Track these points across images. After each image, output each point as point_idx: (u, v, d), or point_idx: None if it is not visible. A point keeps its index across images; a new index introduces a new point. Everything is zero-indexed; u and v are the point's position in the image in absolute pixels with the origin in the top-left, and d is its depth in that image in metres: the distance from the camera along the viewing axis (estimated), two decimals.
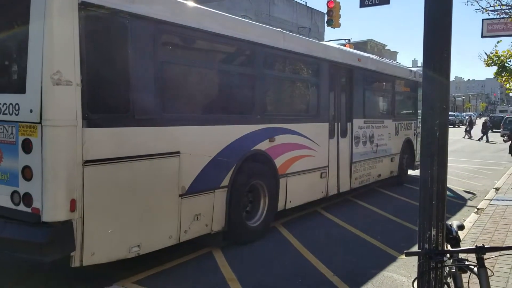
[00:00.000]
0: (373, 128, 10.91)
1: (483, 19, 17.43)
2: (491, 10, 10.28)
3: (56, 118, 4.37)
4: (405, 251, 2.71)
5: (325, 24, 47.08)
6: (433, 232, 2.66)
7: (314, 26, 46.76)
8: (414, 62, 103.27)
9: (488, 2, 9.70)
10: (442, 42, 2.53)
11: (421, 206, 2.67)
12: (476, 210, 9.11)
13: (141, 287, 5.27)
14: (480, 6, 9.83)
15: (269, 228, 7.59)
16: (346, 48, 11.35)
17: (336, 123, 9.45)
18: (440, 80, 2.56)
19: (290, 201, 8.03)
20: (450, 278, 3.12)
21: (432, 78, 2.57)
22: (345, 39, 28.86)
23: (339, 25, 21.50)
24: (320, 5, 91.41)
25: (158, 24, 5.43)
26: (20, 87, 4.48)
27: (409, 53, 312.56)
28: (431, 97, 2.59)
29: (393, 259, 6.49)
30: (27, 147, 4.45)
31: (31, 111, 4.38)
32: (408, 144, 13.04)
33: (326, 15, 21.00)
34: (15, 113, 4.51)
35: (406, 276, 5.82)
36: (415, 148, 13.45)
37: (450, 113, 43.09)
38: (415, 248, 6.72)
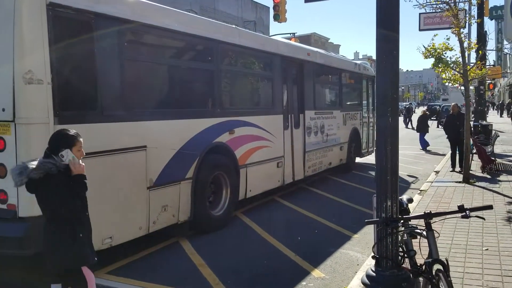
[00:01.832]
0: (323, 119, 11.49)
1: (420, 13, 18.52)
2: (427, 5, 11.05)
3: (29, 116, 4.50)
4: (366, 220, 3.15)
5: (270, 18, 47.70)
6: (389, 203, 3.11)
7: (259, 20, 47.32)
8: (356, 54, 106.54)
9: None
10: (391, 44, 2.98)
11: (377, 181, 3.11)
12: (419, 191, 9.90)
13: (115, 277, 5.46)
14: (417, 2, 10.52)
15: (232, 216, 7.95)
16: (297, 43, 11.84)
17: (289, 115, 9.91)
18: (391, 73, 3.01)
19: (250, 190, 8.42)
20: (402, 244, 3.61)
21: (384, 72, 3.01)
22: (290, 33, 29.38)
23: (285, 20, 22.03)
24: None
25: (121, 23, 5.61)
26: None
27: (351, 46, 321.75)
28: (384, 87, 3.03)
29: (347, 238, 7.04)
30: (0, 145, 4.54)
31: (3, 110, 4.48)
32: (355, 133, 13.77)
33: (273, 10, 21.42)
34: None
35: (361, 253, 6.37)
36: (361, 137, 14.23)
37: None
38: (366, 227, 7.43)
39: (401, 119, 40.64)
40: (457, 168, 12.35)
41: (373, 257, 3.37)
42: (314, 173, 11.18)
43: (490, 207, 3.04)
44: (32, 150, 4.54)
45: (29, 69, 4.45)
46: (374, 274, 3.21)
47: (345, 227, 7.59)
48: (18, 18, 4.43)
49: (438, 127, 32.74)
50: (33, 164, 3.26)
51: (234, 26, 8.43)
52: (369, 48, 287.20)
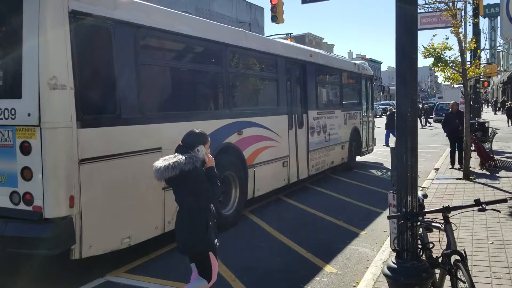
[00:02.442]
0: (326, 118, 11.69)
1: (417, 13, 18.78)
2: (426, 5, 11.28)
3: (54, 120, 4.65)
4: (387, 215, 3.34)
5: (265, 19, 47.68)
6: (409, 198, 3.30)
7: (254, 20, 47.51)
8: (350, 53, 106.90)
9: (424, 0, 10.68)
10: (412, 48, 3.17)
11: (399, 177, 3.30)
12: (421, 188, 10.10)
13: (134, 275, 5.62)
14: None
15: (241, 215, 8.12)
16: (299, 45, 12.01)
17: (293, 115, 10.09)
18: (410, 75, 3.20)
19: (258, 190, 8.59)
20: (419, 237, 3.80)
21: (404, 75, 3.20)
22: (285, 34, 29.54)
23: (283, 21, 22.14)
24: (259, 0, 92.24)
25: (138, 29, 5.78)
26: (15, 93, 4.70)
27: (344, 45, 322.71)
28: (403, 90, 3.22)
29: (355, 235, 7.24)
30: (25, 149, 4.69)
31: (29, 114, 4.63)
32: (355, 132, 13.99)
33: (270, 12, 21.57)
34: (11, 118, 4.73)
35: (370, 248, 6.57)
36: (361, 136, 14.45)
37: (385, 101, 44.82)
38: (372, 224, 7.63)
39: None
40: (456, 165, 12.59)
41: (393, 250, 3.56)
42: (317, 172, 11.38)
43: (505, 200, 3.23)
44: (57, 153, 4.70)
45: (54, 75, 4.60)
46: (395, 265, 3.39)
47: (352, 224, 7.78)
48: (42, 26, 4.57)
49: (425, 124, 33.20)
50: (182, 159, 3.69)
51: (241, 29, 8.60)
52: (363, 47, 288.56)
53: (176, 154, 3.81)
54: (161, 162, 3.76)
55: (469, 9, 12.62)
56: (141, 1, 5.98)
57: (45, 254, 4.89)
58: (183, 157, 3.71)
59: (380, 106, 43.59)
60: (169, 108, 6.59)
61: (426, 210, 3.68)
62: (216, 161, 7.05)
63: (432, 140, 21.84)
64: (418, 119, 28.50)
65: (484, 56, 42.52)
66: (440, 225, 3.42)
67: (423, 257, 3.61)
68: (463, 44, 10.78)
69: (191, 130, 4.08)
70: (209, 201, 3.92)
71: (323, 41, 70.26)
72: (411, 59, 3.19)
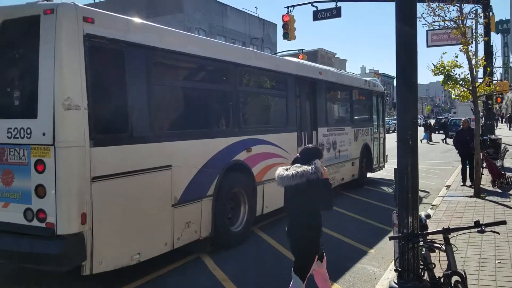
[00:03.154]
0: (336, 135, 11.76)
1: (427, 30, 18.89)
2: (435, 23, 11.35)
3: (68, 140, 4.83)
4: (389, 236, 3.40)
5: (277, 35, 48.06)
6: (410, 219, 3.37)
7: (267, 37, 47.96)
8: (363, 68, 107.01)
9: (433, 18, 10.75)
10: (411, 70, 3.27)
11: (399, 199, 3.37)
12: (431, 206, 10.08)
13: None
14: (426, 21, 10.83)
15: (250, 232, 8.19)
16: (309, 63, 12.18)
17: (303, 132, 10.19)
18: (411, 99, 3.29)
19: (267, 207, 8.67)
20: (421, 257, 3.85)
21: (404, 98, 3.30)
22: (298, 50, 29.77)
23: (294, 38, 22.44)
24: (271, 16, 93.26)
25: (149, 50, 5.97)
26: (31, 113, 4.89)
27: (357, 61, 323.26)
28: (404, 113, 3.31)
29: (363, 253, 7.25)
30: (39, 167, 4.86)
31: (43, 134, 4.80)
32: (366, 149, 14.01)
33: (282, 29, 21.85)
34: (26, 137, 4.91)
35: (378, 267, 6.58)
36: (372, 153, 14.46)
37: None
38: (381, 242, 7.64)
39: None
40: (468, 183, 12.53)
41: (395, 270, 3.62)
42: None
43: (503, 222, 3.28)
44: (70, 171, 4.86)
45: (68, 96, 4.78)
46: (397, 286, 3.45)
47: (360, 242, 7.79)
48: (58, 49, 4.77)
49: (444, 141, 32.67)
50: (309, 169, 4.13)
51: (250, 49, 8.77)
52: (376, 63, 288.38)
53: (297, 165, 4.26)
54: (283, 171, 4.24)
55: (479, 28, 12.67)
56: (155, 24, 6.20)
57: (56, 270, 5.04)
58: (309, 168, 4.14)
59: (392, 122, 43.34)
60: (179, 126, 6.75)
61: (429, 230, 3.73)
62: (225, 178, 7.32)
63: (444, 157, 21.72)
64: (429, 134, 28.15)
65: (498, 71, 42.29)
66: (440, 246, 3.47)
67: (426, 277, 3.65)
68: (472, 62, 10.82)
69: (308, 146, 4.81)
70: (328, 208, 4.41)
71: (335, 56, 70.45)
72: (411, 84, 3.29)
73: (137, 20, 6.00)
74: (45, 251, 4.81)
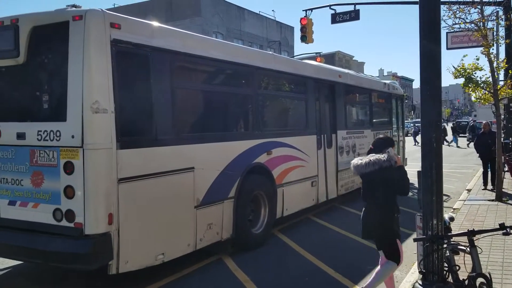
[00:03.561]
0: (355, 138, 11.75)
1: (447, 33, 18.66)
2: (456, 27, 11.27)
3: (96, 142, 4.96)
4: (414, 238, 3.43)
5: (295, 38, 48.11)
6: (434, 222, 3.40)
7: (284, 40, 48.04)
8: (381, 71, 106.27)
9: (454, 21, 10.69)
10: (434, 73, 3.30)
11: (424, 201, 3.41)
12: (452, 210, 10.01)
13: None
14: (446, 24, 10.77)
15: (270, 234, 8.25)
16: (328, 66, 12.21)
17: (322, 135, 10.22)
18: (435, 102, 3.33)
19: (287, 209, 8.72)
20: (445, 260, 3.87)
21: (428, 100, 3.33)
22: (315, 53, 29.72)
23: (312, 41, 22.42)
24: (289, 19, 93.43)
25: (172, 55, 6.09)
26: (60, 116, 5.05)
27: (375, 63, 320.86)
28: (428, 115, 3.35)
29: None
30: (69, 169, 5.01)
31: (72, 136, 4.95)
32: None
33: (300, 32, 21.88)
34: (56, 139, 5.07)
35: (399, 270, 6.51)
36: None
37: (417, 120, 43.48)
38: (402, 245, 7.58)
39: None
40: (489, 186, 12.39)
41: (420, 272, 3.64)
42: (346, 191, 11.40)
43: None
44: (98, 172, 4.99)
45: (96, 99, 4.92)
46: (421, 287, 3.47)
47: None
48: (86, 54, 4.92)
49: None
50: (382, 157, 4.49)
51: (270, 52, 8.85)
52: (394, 65, 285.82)
53: (371, 154, 4.63)
54: (358, 160, 4.60)
55: (501, 30, 12.53)
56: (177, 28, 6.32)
57: (84, 269, 5.17)
58: (382, 156, 4.49)
59: (410, 124, 42.96)
60: (202, 129, 6.86)
61: (452, 233, 3.75)
62: (246, 180, 7.39)
63: (465, 160, 21.48)
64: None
65: None
66: (465, 248, 3.49)
67: (450, 279, 3.67)
68: (494, 64, 10.72)
69: (378, 137, 5.22)
70: (403, 193, 4.65)
71: (353, 59, 70.19)
72: (435, 91, 3.32)
73: (161, 25, 6.13)
74: (74, 250, 4.95)
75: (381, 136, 5.22)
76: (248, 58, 7.87)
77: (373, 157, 4.52)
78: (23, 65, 5.40)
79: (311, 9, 22.27)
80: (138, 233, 5.47)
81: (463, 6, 10.62)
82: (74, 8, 5.18)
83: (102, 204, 5.02)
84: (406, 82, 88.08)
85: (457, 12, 10.43)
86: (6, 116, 5.60)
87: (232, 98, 7.76)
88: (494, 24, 12.90)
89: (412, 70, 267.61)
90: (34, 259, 5.49)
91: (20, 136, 5.32)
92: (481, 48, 10.83)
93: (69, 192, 5.03)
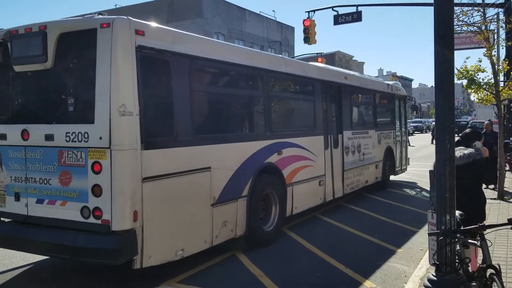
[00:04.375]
0: (360, 138, 12.03)
1: None
2: (458, 26, 11.54)
3: (122, 143, 5.23)
4: (428, 232, 3.71)
5: (295, 38, 48.21)
6: (447, 217, 3.67)
7: (285, 40, 48.32)
8: (380, 71, 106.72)
9: (456, 23, 10.96)
10: (448, 80, 3.58)
11: (438, 198, 3.68)
12: (460, 212, 10.26)
13: (185, 285, 6.08)
14: None
15: (280, 232, 8.52)
16: (334, 68, 12.49)
17: (329, 136, 10.49)
18: (448, 105, 3.60)
19: (296, 207, 8.98)
20: (456, 253, 4.13)
21: (442, 104, 3.61)
22: (316, 53, 29.90)
23: (315, 42, 22.70)
24: (289, 19, 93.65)
25: (192, 59, 6.37)
26: (88, 119, 5.31)
27: (375, 63, 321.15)
28: (442, 119, 3.62)
29: (392, 252, 7.53)
30: (96, 168, 5.27)
31: (100, 138, 5.21)
32: (389, 152, 14.23)
33: (303, 33, 22.15)
34: (84, 140, 5.33)
35: (407, 266, 6.85)
36: (395, 155, 14.68)
37: (417, 119, 43.85)
38: (408, 242, 7.91)
39: (429, 135, 40.55)
40: (491, 185, 12.65)
41: (432, 264, 3.91)
42: (352, 190, 11.68)
43: None
44: (124, 172, 5.26)
45: (123, 103, 5.19)
46: (435, 278, 3.74)
47: (388, 242, 8.06)
48: (113, 59, 5.18)
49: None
50: (474, 151, 5.10)
51: (281, 56, 9.13)
52: (393, 65, 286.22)
53: (461, 147, 5.18)
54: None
55: (502, 33, 12.80)
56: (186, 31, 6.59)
57: (111, 264, 5.44)
58: (474, 150, 5.10)
59: (411, 124, 43.17)
60: (217, 130, 7.14)
61: (463, 228, 4.02)
62: (258, 180, 7.67)
63: None
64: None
65: None
66: (476, 242, 3.76)
67: (461, 271, 3.94)
68: (496, 66, 11.00)
69: (465, 131, 5.77)
70: (489, 183, 5.42)
71: (353, 59, 70.39)
72: (449, 92, 3.60)
73: (180, 31, 6.41)
74: (102, 246, 5.21)
75: (468, 130, 5.80)
76: (260, 61, 8.15)
77: (466, 150, 5.06)
78: (51, 70, 5.66)
79: (314, 11, 22.55)
80: (160, 229, 5.73)
81: (466, 8, 10.90)
82: (101, 16, 5.44)
83: (128, 202, 5.28)
84: (405, 82, 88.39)
85: (460, 15, 10.72)
86: (34, 118, 5.87)
87: (245, 100, 8.04)
88: (496, 26, 13.19)
89: (411, 69, 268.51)
90: (62, 255, 5.76)
91: (49, 137, 5.58)
92: (483, 50, 11.12)
93: (96, 190, 5.29)
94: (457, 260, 3.86)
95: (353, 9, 21.76)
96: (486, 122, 13.73)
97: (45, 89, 5.96)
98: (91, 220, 5.35)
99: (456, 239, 3.77)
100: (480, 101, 11.97)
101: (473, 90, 11.34)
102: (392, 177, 14.93)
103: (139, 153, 5.37)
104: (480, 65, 11.16)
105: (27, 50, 5.71)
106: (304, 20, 22.18)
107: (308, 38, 22.28)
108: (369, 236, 8.50)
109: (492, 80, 11.10)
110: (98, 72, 5.26)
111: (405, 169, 15.89)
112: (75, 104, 5.64)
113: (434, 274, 3.81)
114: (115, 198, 5.22)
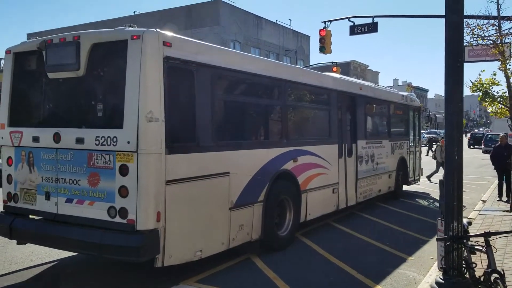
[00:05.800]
0: (374, 148, 12.24)
1: (464, 46, 19.06)
2: (474, 40, 11.73)
3: (149, 147, 5.55)
4: (437, 237, 3.94)
5: (310, 47, 48.42)
6: (455, 224, 3.91)
7: (300, 49, 48.64)
8: (395, 81, 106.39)
9: (471, 37, 11.17)
10: (457, 96, 3.83)
11: (446, 206, 3.92)
12: (468, 219, 10.40)
13: (204, 285, 6.36)
14: (466, 40, 11.25)
15: (294, 237, 8.76)
16: (349, 78, 12.73)
17: (343, 145, 10.73)
18: (457, 119, 3.85)
19: (310, 214, 9.23)
20: (463, 258, 4.36)
21: (451, 118, 3.86)
22: (331, 62, 30.02)
23: (330, 51, 22.87)
24: (305, 28, 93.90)
25: (214, 69, 6.70)
26: (117, 124, 5.65)
27: (390, 73, 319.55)
28: (451, 131, 3.87)
29: (403, 260, 7.72)
30: (124, 171, 5.60)
31: (128, 142, 5.54)
32: (402, 162, 14.39)
33: (319, 43, 22.40)
34: (113, 144, 5.67)
35: (417, 273, 7.04)
36: (408, 166, 14.83)
37: (431, 130, 43.50)
38: (419, 251, 8.10)
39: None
40: (504, 198, 12.74)
41: (440, 268, 4.15)
42: (365, 199, 11.88)
43: None
44: (149, 175, 5.58)
45: (150, 109, 5.52)
46: (442, 281, 3.98)
47: (399, 250, 8.26)
48: (143, 69, 5.52)
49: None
50: None
51: (298, 66, 9.42)
52: (409, 75, 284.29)
53: None
54: None
55: None
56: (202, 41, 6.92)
57: (135, 261, 5.75)
58: None
59: (425, 135, 42.87)
60: (236, 137, 7.45)
61: (471, 234, 4.25)
62: (274, 186, 7.95)
63: (479, 172, 21.74)
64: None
65: None
66: (482, 248, 3.98)
67: (467, 276, 4.17)
68: (511, 79, 11.16)
69: None
70: None
71: (368, 68, 70.35)
72: (458, 108, 3.85)
73: (204, 43, 6.75)
74: (127, 244, 5.52)
75: None
76: (279, 71, 8.46)
77: None
78: (82, 77, 6.03)
79: (330, 21, 22.80)
80: (181, 230, 6.03)
81: (481, 22, 11.09)
82: (131, 28, 5.79)
83: (152, 203, 5.60)
84: (421, 92, 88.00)
85: (476, 29, 10.92)
86: (66, 122, 6.24)
87: (263, 109, 8.34)
88: (511, 40, 13.31)
89: (427, 80, 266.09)
90: (89, 251, 6.08)
91: (79, 140, 5.94)
92: (498, 63, 11.28)
93: (123, 191, 5.62)
94: (463, 265, 4.08)
95: (369, 20, 21.94)
96: (501, 135, 13.81)
97: (77, 96, 6.33)
98: (117, 219, 5.67)
99: (463, 245, 4.00)
100: (494, 114, 12.11)
101: (487, 103, 11.48)
102: (405, 187, 15.08)
103: (164, 157, 5.69)
104: (495, 79, 11.35)
105: (61, 59, 6.09)
106: (320, 30, 22.40)
107: (324, 47, 22.48)
108: (381, 243, 8.70)
109: (507, 94, 11.25)
110: (128, 81, 5.60)
111: (418, 179, 16.01)
112: (105, 110, 5.98)
113: (442, 277, 4.04)
114: (140, 199, 5.53)
